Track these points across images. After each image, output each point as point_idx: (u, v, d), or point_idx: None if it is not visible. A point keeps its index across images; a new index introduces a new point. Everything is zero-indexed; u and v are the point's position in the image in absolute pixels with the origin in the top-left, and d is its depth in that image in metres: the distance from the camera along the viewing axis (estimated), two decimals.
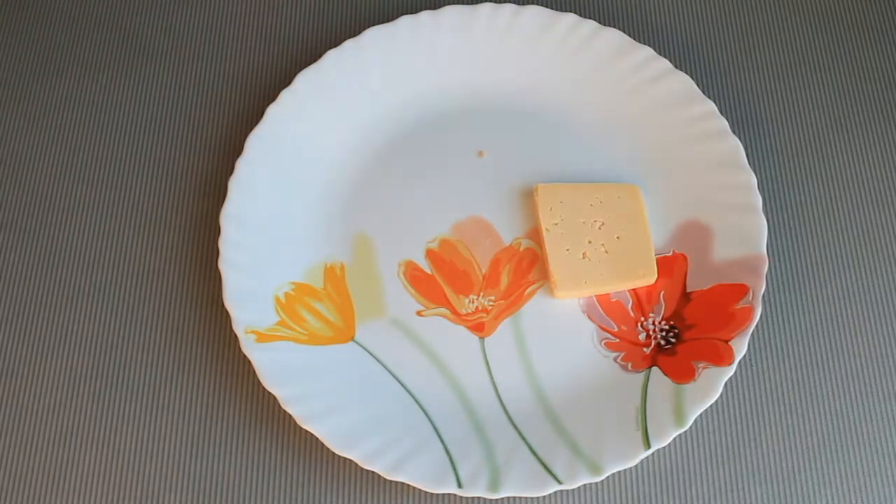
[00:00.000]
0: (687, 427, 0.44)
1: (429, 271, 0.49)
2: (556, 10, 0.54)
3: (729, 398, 0.47)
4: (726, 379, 0.45)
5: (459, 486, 0.43)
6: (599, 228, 0.49)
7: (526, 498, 0.45)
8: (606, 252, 0.48)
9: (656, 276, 0.48)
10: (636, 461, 0.43)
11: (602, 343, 0.47)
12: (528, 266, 0.49)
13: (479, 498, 0.44)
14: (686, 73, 0.53)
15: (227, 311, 0.49)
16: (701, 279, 0.48)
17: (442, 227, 0.50)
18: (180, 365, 0.48)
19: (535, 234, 0.50)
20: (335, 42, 0.56)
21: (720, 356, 0.45)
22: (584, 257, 0.48)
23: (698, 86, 0.52)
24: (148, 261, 0.50)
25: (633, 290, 0.48)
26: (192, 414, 0.47)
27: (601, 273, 0.48)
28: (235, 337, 0.48)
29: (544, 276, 0.49)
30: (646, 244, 0.48)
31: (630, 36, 0.53)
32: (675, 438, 0.45)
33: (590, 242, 0.48)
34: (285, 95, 0.51)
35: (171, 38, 0.56)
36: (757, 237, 0.48)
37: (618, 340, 0.47)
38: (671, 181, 0.50)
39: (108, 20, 0.57)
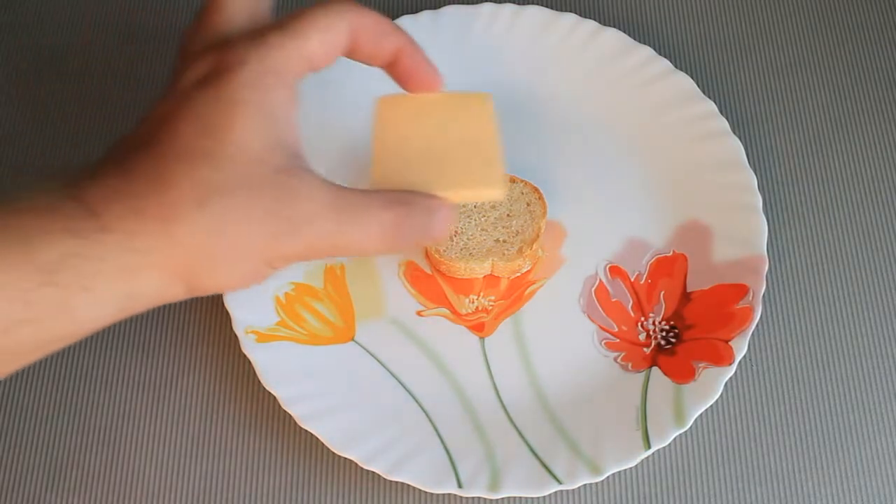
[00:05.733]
0: (687, 427, 0.44)
1: (429, 271, 0.49)
2: (556, 10, 0.54)
3: (729, 398, 0.47)
4: (726, 379, 0.45)
5: (459, 486, 0.43)
6: (440, 125, 0.42)
7: (526, 498, 0.45)
8: (445, 152, 0.42)
9: (503, 188, 0.41)
10: (636, 461, 0.43)
11: (602, 343, 0.47)
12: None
13: (479, 498, 0.44)
14: (686, 73, 0.53)
15: (227, 311, 0.49)
16: (701, 279, 0.48)
17: None
18: (180, 365, 0.48)
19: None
20: None
21: (720, 356, 0.45)
22: (419, 156, 0.42)
23: (698, 86, 0.52)
24: None
25: (634, 289, 0.48)
26: (192, 414, 0.47)
27: (431, 169, 0.41)
28: (235, 337, 0.48)
29: (544, 276, 0.49)
30: (494, 151, 0.42)
31: (630, 36, 0.53)
32: (675, 438, 0.45)
33: (424, 138, 0.42)
34: None
35: (171, 38, 0.56)
36: (757, 237, 0.48)
37: (618, 340, 0.47)
38: (671, 181, 0.50)
39: (108, 20, 0.57)
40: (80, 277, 0.33)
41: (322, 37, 0.38)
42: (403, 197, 0.39)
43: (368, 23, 0.40)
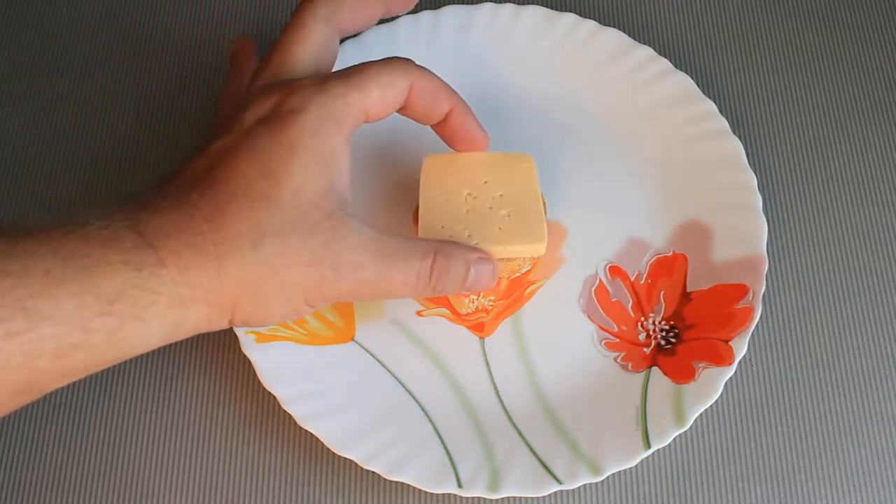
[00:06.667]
0: (687, 427, 0.44)
1: None
2: (556, 10, 0.54)
3: (729, 398, 0.47)
4: (726, 379, 0.45)
5: (459, 486, 0.43)
6: (484, 183, 0.45)
7: (526, 498, 0.45)
8: (490, 209, 0.45)
9: (545, 244, 0.44)
10: (636, 461, 0.43)
11: (602, 343, 0.47)
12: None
13: (479, 498, 0.44)
14: (686, 73, 0.53)
15: None
16: (701, 279, 0.48)
17: None
18: (180, 365, 0.48)
19: None
20: None
21: (720, 356, 0.45)
22: (464, 211, 0.45)
23: (698, 86, 0.52)
24: None
25: (633, 289, 0.48)
26: (192, 414, 0.47)
27: (475, 224, 0.44)
28: (235, 337, 0.48)
29: (544, 276, 0.49)
30: (537, 209, 0.45)
31: (630, 36, 0.53)
32: (675, 438, 0.45)
33: (469, 194, 0.45)
34: None
35: (171, 38, 0.56)
36: (757, 237, 0.48)
37: (618, 340, 0.47)
38: (671, 181, 0.50)
39: (108, 19, 0.57)
40: (135, 308, 0.34)
41: (382, 92, 0.40)
42: (444, 247, 0.42)
43: (426, 85, 0.42)
